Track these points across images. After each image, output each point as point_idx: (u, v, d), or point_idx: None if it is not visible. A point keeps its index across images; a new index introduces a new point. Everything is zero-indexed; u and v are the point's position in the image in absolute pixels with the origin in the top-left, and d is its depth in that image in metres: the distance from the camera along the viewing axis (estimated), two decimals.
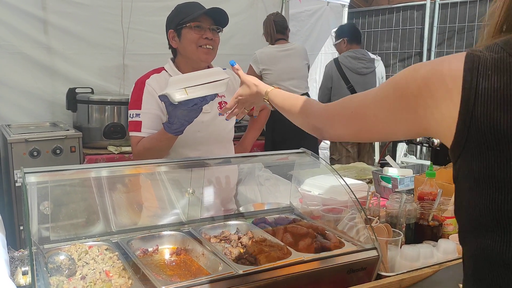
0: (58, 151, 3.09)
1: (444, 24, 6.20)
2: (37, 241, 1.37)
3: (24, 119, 3.52)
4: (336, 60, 4.21)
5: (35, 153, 3.01)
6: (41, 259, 1.28)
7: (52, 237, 1.43)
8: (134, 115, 1.96)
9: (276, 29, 4.07)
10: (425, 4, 6.29)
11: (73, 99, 3.45)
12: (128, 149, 3.39)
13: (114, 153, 3.32)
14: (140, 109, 1.95)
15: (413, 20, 6.46)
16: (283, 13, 4.74)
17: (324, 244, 1.44)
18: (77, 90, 3.47)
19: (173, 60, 2.10)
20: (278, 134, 3.91)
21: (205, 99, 1.68)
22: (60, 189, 1.48)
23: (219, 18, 2.01)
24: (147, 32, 3.90)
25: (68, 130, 3.24)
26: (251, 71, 3.96)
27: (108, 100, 3.44)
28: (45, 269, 1.24)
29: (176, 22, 2.00)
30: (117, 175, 1.60)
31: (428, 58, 6.32)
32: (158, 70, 2.07)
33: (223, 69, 1.84)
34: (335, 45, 4.39)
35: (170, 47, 2.09)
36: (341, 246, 1.43)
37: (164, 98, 1.67)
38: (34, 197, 1.37)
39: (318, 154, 4.46)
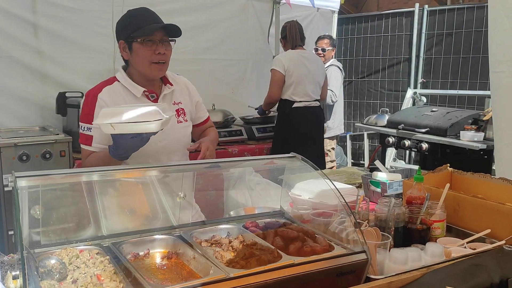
0: (47, 156, 3.07)
1: (432, 31, 6.28)
2: (28, 245, 1.37)
3: (14, 123, 3.50)
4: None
5: (24, 158, 2.99)
6: (32, 264, 1.28)
7: (43, 241, 1.43)
8: (86, 129, 1.93)
9: (300, 36, 4.19)
10: (413, 11, 6.37)
11: (63, 103, 3.44)
12: None
13: None
14: (91, 124, 1.89)
15: (402, 27, 6.54)
16: (273, 19, 4.78)
17: (314, 247, 1.46)
18: (67, 94, 3.46)
19: (125, 68, 2.04)
20: (290, 136, 3.98)
21: (140, 135, 1.61)
22: (51, 193, 1.48)
23: (172, 29, 1.96)
24: None
25: (57, 134, 3.23)
26: (277, 74, 3.99)
27: None
28: (36, 273, 1.24)
29: (127, 34, 1.93)
30: (108, 179, 1.61)
31: (417, 64, 6.40)
32: (110, 81, 2.00)
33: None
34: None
35: (122, 56, 2.03)
36: (331, 250, 1.45)
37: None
38: (25, 201, 1.36)
39: (324, 160, 4.54)
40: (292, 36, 4.16)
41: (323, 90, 4.32)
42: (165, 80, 2.09)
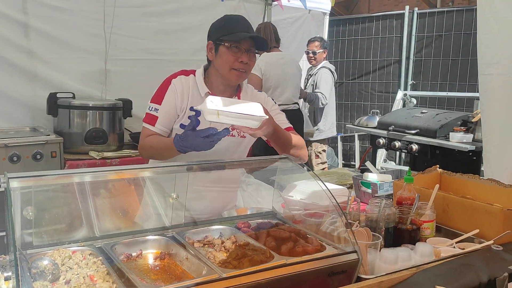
0: (38, 156, 3.06)
1: (422, 33, 6.35)
2: (20, 246, 1.36)
3: (4, 123, 3.47)
4: None
5: (15, 158, 2.97)
6: (25, 265, 1.28)
7: (35, 242, 1.43)
8: (153, 109, 2.00)
9: (275, 37, 4.19)
10: (403, 13, 6.43)
11: (54, 104, 3.42)
12: (109, 154, 3.38)
13: (96, 159, 3.31)
14: (160, 104, 1.99)
15: (392, 29, 6.60)
16: (265, 20, 4.80)
17: (306, 247, 1.47)
18: (58, 95, 3.45)
19: (206, 68, 2.09)
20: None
21: (225, 131, 1.69)
22: (43, 194, 1.48)
23: (260, 41, 2.00)
24: (130, 37, 3.90)
25: (48, 135, 3.22)
26: (254, 78, 3.99)
27: (90, 105, 3.42)
28: (28, 274, 1.24)
29: (216, 36, 1.98)
30: (101, 180, 1.61)
31: (407, 66, 6.46)
32: (188, 73, 2.07)
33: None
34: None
35: (207, 56, 2.07)
36: (322, 250, 1.47)
37: (195, 112, 1.69)
38: (18, 202, 1.36)
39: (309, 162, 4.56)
40: (266, 38, 4.11)
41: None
42: (238, 92, 2.09)
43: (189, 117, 1.94)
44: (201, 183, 2.04)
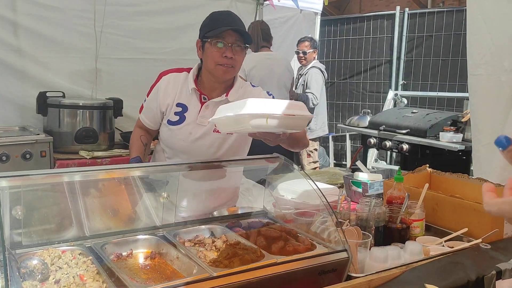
0: (28, 156, 3.03)
1: (413, 33, 6.39)
2: (9, 246, 1.35)
3: None
4: None
5: (4, 158, 2.94)
6: (14, 264, 1.27)
7: (25, 242, 1.42)
8: (145, 100, 2.15)
9: (263, 36, 4.13)
10: (395, 14, 6.47)
11: (43, 103, 3.39)
12: (100, 154, 3.36)
13: (86, 158, 3.28)
14: (147, 97, 2.13)
15: (383, 29, 6.63)
16: (257, 19, 4.79)
17: (296, 246, 1.48)
18: (48, 94, 3.41)
19: (200, 66, 2.08)
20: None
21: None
22: (32, 194, 1.47)
23: (245, 34, 1.97)
24: (121, 36, 3.87)
25: (38, 134, 3.19)
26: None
27: (80, 104, 3.40)
28: (18, 274, 1.23)
29: (202, 34, 1.99)
30: (91, 180, 1.60)
31: (398, 66, 6.50)
32: (182, 70, 2.10)
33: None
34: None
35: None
36: (313, 249, 1.47)
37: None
38: (6, 201, 1.35)
39: (293, 159, 4.55)
40: (253, 37, 4.03)
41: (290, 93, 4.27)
42: (228, 90, 2.05)
43: (175, 114, 1.96)
44: (192, 183, 2.04)
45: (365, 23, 6.77)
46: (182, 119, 2.05)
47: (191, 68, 2.09)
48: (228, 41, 1.92)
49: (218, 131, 2.00)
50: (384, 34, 6.61)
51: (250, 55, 4.06)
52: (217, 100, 2.02)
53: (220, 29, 1.91)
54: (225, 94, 2.05)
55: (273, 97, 2.14)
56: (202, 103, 2.04)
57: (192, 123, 2.04)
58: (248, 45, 2.00)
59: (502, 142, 0.86)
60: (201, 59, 2.05)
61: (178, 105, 2.06)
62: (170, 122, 2.07)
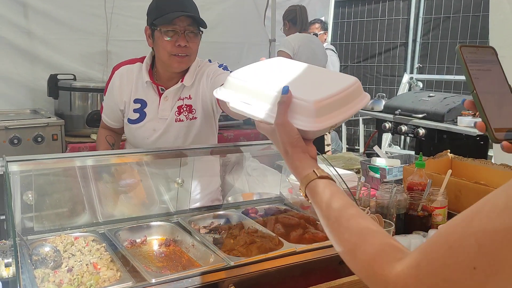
0: (39, 139, 3.00)
1: (430, 15, 6.21)
2: (21, 232, 1.32)
3: (4, 106, 3.41)
4: None
5: (15, 141, 2.92)
6: (25, 251, 1.23)
7: (36, 228, 1.38)
8: (103, 99, 2.06)
9: (304, 20, 4.28)
10: None
11: (54, 86, 3.35)
12: None
13: None
14: (104, 95, 2.03)
15: (399, 11, 6.46)
16: (269, 1, 4.69)
17: (316, 234, 1.43)
18: (58, 77, 3.37)
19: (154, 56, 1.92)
20: None
21: None
22: (44, 179, 1.43)
23: (197, 18, 1.79)
24: (131, 17, 3.80)
25: (49, 117, 3.15)
26: (284, 56, 3.95)
27: (91, 87, 3.35)
28: (29, 261, 1.20)
29: (150, 21, 1.82)
30: (104, 164, 1.56)
31: (413, 48, 6.35)
32: (135, 61, 1.94)
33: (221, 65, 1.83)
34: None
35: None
36: None
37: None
38: (17, 186, 1.31)
39: (324, 144, 4.55)
40: (302, 20, 4.22)
41: None
42: (183, 75, 1.89)
43: (134, 111, 1.84)
44: (205, 168, 2.00)
45: (380, 4, 6.60)
46: (142, 116, 1.90)
47: (145, 57, 1.93)
48: (180, 28, 1.75)
49: (181, 120, 1.87)
50: (400, 16, 6.45)
51: (296, 34, 4.16)
52: (174, 88, 1.88)
53: (169, 16, 1.73)
54: (181, 79, 1.89)
55: (227, 69, 1.86)
56: (160, 95, 1.90)
57: (154, 119, 1.90)
58: (202, 30, 1.82)
59: None
60: (152, 48, 1.91)
61: (136, 101, 1.91)
62: (130, 121, 1.93)
